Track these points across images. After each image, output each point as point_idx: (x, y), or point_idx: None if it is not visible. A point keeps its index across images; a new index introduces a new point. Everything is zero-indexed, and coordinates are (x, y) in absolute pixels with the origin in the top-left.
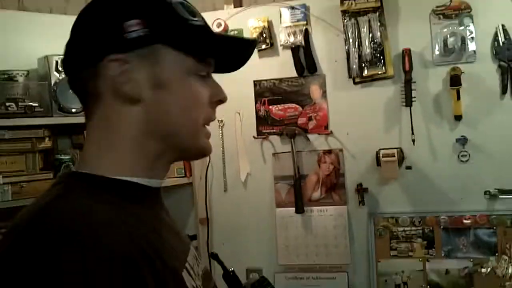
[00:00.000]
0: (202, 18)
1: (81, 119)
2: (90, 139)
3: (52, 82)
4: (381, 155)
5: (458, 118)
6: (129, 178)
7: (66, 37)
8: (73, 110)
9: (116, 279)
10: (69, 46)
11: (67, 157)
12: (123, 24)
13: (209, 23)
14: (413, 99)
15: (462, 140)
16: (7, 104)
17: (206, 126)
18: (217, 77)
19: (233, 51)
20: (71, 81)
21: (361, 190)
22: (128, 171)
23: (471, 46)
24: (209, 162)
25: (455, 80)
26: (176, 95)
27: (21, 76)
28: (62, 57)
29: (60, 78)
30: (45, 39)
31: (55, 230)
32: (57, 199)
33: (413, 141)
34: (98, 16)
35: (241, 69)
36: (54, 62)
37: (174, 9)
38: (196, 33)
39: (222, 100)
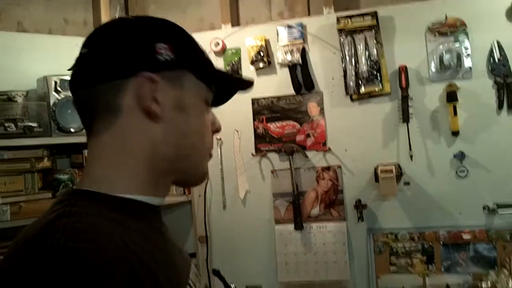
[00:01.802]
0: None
1: (80, 139)
2: (97, 156)
3: (51, 102)
4: (379, 171)
5: (455, 133)
6: (134, 196)
7: (65, 57)
8: (72, 130)
9: None
10: (87, 60)
11: (66, 176)
12: (154, 45)
13: (207, 42)
14: (410, 115)
15: (460, 156)
16: (6, 124)
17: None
18: None
19: (231, 86)
20: (82, 95)
21: (360, 206)
22: (134, 189)
23: (467, 63)
24: (208, 179)
25: (451, 96)
26: (193, 119)
27: (20, 96)
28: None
29: (59, 98)
30: (44, 60)
31: (59, 247)
32: (61, 217)
33: (411, 156)
34: (130, 35)
35: None
36: (53, 83)
37: (194, 41)
38: (210, 65)
39: (218, 129)
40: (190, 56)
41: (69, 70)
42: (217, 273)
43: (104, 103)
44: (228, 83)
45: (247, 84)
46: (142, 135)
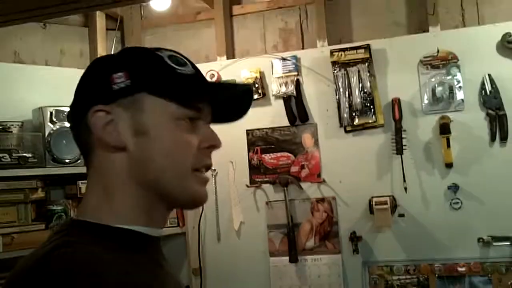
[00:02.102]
0: (195, 69)
1: (74, 170)
2: (89, 188)
3: (46, 133)
4: (374, 203)
5: (449, 165)
6: (129, 226)
7: (61, 88)
8: (67, 161)
9: None
10: (72, 102)
11: (59, 207)
12: (110, 77)
13: (203, 73)
14: (404, 147)
15: (454, 188)
16: (1, 155)
17: (199, 171)
18: (212, 126)
19: (227, 97)
20: (72, 134)
21: (355, 238)
22: (127, 220)
23: (459, 95)
24: (202, 211)
25: (444, 128)
26: (158, 141)
27: (15, 127)
28: (56, 108)
29: (54, 129)
30: (40, 90)
31: (57, 277)
32: (59, 247)
33: (405, 188)
34: (90, 72)
35: None
36: (49, 113)
37: (160, 60)
38: (181, 80)
39: (214, 146)
40: (149, 77)
41: None
42: None
43: (83, 142)
44: (223, 94)
45: (245, 91)
46: (112, 167)
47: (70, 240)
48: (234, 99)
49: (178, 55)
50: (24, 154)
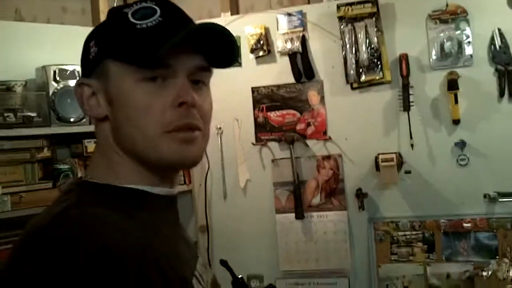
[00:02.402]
0: (164, 16)
1: (79, 129)
2: (94, 150)
3: (50, 92)
4: (380, 160)
5: (456, 122)
6: (134, 185)
7: (63, 47)
8: (72, 120)
9: (126, 286)
10: None
11: (66, 166)
12: (88, 46)
13: None
14: (411, 104)
15: (461, 144)
16: (6, 114)
17: (175, 131)
18: (214, 85)
19: (204, 41)
20: None
21: (360, 195)
22: (131, 180)
23: (468, 50)
24: (208, 169)
25: (452, 84)
26: (122, 108)
27: (19, 86)
28: (60, 67)
29: (58, 88)
30: (43, 49)
31: (69, 237)
32: (70, 207)
33: (412, 145)
34: (85, 43)
35: (239, 76)
36: (52, 72)
37: (123, 19)
38: (137, 38)
39: (184, 101)
40: (109, 41)
41: None
42: (224, 263)
43: None
44: (193, 40)
45: (219, 31)
46: (102, 135)
47: (78, 201)
48: (214, 44)
49: (150, 6)
50: (29, 114)
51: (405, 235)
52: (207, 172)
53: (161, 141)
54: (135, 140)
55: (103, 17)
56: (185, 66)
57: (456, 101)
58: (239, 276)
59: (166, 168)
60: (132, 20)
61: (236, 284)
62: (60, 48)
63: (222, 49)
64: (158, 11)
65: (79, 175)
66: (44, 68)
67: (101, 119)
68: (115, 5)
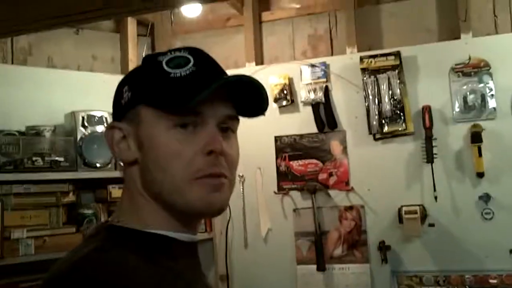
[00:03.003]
0: (200, 65)
1: (104, 174)
2: (122, 194)
3: (78, 137)
4: (403, 212)
5: (480, 175)
6: (161, 231)
7: (92, 93)
8: (98, 165)
9: None
10: None
11: (90, 211)
12: (122, 91)
13: None
14: (435, 156)
15: (485, 197)
16: (34, 158)
17: (203, 178)
18: (238, 133)
19: (237, 92)
20: None
21: (383, 247)
22: (157, 225)
23: (491, 103)
24: (229, 217)
25: (476, 137)
26: (152, 153)
27: (48, 131)
28: (88, 113)
29: (86, 133)
30: (72, 95)
31: (92, 281)
32: (95, 251)
33: (436, 198)
34: (118, 87)
35: (262, 125)
36: (81, 118)
37: (157, 66)
38: (171, 86)
39: (213, 151)
40: (143, 87)
41: None
42: None
43: None
44: (225, 90)
45: (251, 82)
46: (130, 179)
47: (103, 246)
48: (245, 94)
49: (183, 55)
50: (56, 158)
51: None
52: (229, 220)
53: (189, 188)
54: (163, 185)
55: (131, 65)
56: (215, 114)
57: (480, 154)
58: None
59: (191, 215)
60: (166, 68)
61: None
62: (89, 94)
63: (252, 100)
64: (192, 60)
65: (102, 220)
66: (73, 113)
67: (130, 163)
68: (143, 54)
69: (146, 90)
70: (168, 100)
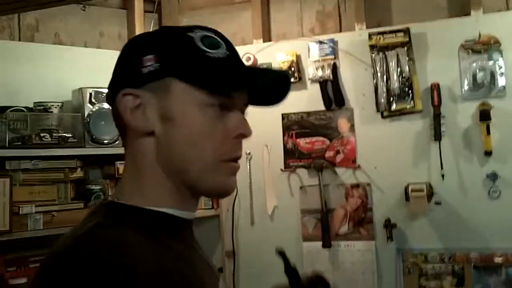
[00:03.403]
0: (230, 50)
1: (112, 150)
2: (124, 170)
3: (86, 114)
4: (410, 189)
5: (488, 153)
6: (162, 209)
7: (100, 70)
8: (105, 141)
9: None
10: (108, 83)
11: (98, 187)
12: (141, 59)
13: None
14: (442, 134)
15: (493, 176)
16: (42, 134)
17: (229, 162)
18: (246, 110)
19: (262, 83)
20: (112, 115)
21: (389, 225)
22: (156, 202)
23: (501, 81)
24: (236, 194)
25: (484, 115)
26: (183, 128)
27: (55, 107)
28: (95, 89)
29: (94, 110)
30: (80, 72)
31: (89, 260)
32: (96, 228)
33: (443, 176)
34: (124, 52)
35: None
36: (88, 94)
37: (190, 42)
38: (210, 66)
39: (243, 134)
40: (178, 62)
41: None
42: (282, 253)
43: (117, 124)
44: (257, 79)
45: (282, 77)
46: (141, 151)
47: (102, 222)
48: (271, 85)
49: (212, 36)
50: (64, 134)
51: (434, 267)
52: (235, 197)
53: (216, 169)
54: (190, 161)
55: None
56: (241, 101)
57: (488, 132)
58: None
59: (205, 194)
60: (202, 47)
61: (289, 271)
62: (96, 71)
63: (274, 94)
64: (223, 44)
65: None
66: (80, 90)
67: (145, 134)
68: (150, 30)
69: (181, 65)
70: (211, 79)
